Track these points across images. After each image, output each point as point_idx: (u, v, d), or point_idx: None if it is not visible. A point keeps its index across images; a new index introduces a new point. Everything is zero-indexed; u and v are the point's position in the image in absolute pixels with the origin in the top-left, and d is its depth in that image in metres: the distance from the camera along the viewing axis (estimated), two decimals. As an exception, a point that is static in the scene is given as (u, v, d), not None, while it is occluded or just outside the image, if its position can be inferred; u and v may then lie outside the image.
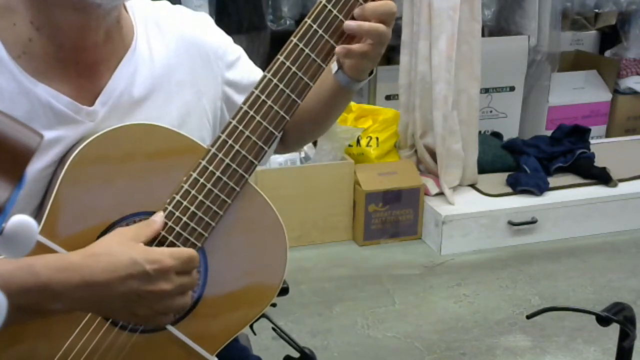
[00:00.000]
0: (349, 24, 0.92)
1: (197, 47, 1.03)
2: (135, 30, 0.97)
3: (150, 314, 0.87)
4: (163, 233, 0.91)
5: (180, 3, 2.77)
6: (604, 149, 3.50)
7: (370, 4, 0.93)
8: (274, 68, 0.92)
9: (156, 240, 0.91)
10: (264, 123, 0.93)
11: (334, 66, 1.01)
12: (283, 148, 1.19)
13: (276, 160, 2.91)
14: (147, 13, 1.00)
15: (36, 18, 0.87)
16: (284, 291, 1.12)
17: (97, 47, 0.92)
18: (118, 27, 0.95)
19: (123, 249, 0.85)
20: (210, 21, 1.09)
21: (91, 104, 0.93)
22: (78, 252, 0.85)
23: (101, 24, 0.90)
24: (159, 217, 0.91)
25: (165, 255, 0.86)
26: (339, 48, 0.93)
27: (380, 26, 0.93)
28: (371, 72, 1.02)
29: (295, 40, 0.92)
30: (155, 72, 0.98)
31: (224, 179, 0.92)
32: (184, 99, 1.01)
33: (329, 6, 0.92)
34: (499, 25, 3.68)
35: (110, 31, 0.93)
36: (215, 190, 0.92)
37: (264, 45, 3.31)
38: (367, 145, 3.07)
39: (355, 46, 0.94)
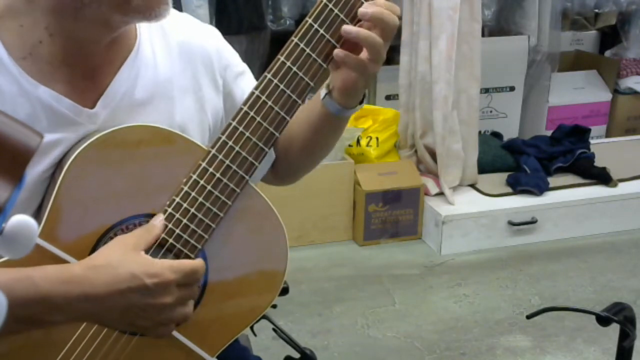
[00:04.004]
0: (347, 28, 0.89)
1: (201, 56, 1.02)
2: (139, 32, 0.97)
3: (151, 325, 0.87)
4: (163, 235, 0.90)
5: (180, 3, 2.77)
6: (604, 149, 3.50)
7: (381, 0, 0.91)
8: (274, 68, 0.92)
9: (156, 243, 0.90)
10: (264, 124, 0.92)
11: (322, 92, 0.98)
12: (277, 179, 1.17)
13: (276, 160, 2.90)
14: None
15: (52, 25, 0.87)
16: (284, 291, 1.12)
17: (102, 51, 0.92)
18: (122, 31, 0.94)
19: (124, 262, 0.84)
20: (217, 33, 1.08)
21: (92, 106, 0.92)
22: (79, 263, 0.85)
23: (114, 35, 0.91)
24: (158, 222, 0.90)
25: (166, 268, 0.85)
26: (337, 50, 0.90)
27: (377, 38, 0.90)
28: (361, 101, 0.99)
29: (295, 39, 0.91)
30: (159, 77, 0.97)
31: (224, 180, 0.92)
32: (185, 106, 1.00)
33: (330, 5, 0.91)
34: (499, 25, 3.67)
35: (115, 36, 0.93)
36: (216, 192, 0.92)
37: (264, 45, 3.31)
38: (367, 145, 3.07)
39: (352, 56, 0.90)
